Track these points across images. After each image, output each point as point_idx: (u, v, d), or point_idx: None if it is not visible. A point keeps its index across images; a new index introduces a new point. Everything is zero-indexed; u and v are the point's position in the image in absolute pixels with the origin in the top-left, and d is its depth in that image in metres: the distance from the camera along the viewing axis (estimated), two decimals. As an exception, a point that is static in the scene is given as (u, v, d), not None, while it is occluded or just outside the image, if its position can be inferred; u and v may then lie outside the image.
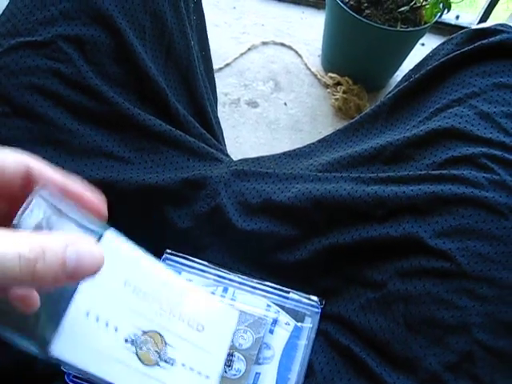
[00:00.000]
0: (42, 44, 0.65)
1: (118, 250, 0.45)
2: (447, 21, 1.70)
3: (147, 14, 0.72)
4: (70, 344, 0.41)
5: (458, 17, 1.72)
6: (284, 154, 0.79)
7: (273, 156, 0.79)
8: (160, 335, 0.47)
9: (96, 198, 0.41)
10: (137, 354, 0.45)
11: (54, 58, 0.65)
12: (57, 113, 0.64)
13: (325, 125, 1.45)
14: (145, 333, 0.45)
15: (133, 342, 0.44)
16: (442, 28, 1.70)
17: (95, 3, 0.67)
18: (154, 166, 0.69)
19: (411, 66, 0.84)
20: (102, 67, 0.67)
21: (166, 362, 0.47)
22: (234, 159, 0.81)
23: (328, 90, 1.53)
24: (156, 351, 0.46)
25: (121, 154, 0.67)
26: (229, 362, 0.60)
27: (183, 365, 0.48)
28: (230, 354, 0.61)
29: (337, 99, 1.48)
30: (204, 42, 0.91)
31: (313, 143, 0.81)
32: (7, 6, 0.70)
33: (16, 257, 0.30)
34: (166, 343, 0.47)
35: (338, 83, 1.52)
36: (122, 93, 0.69)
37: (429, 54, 0.81)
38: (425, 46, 1.65)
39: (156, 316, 0.47)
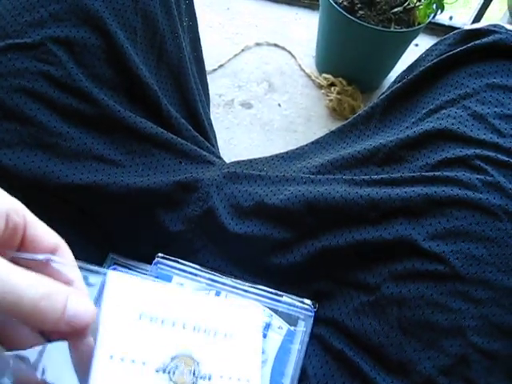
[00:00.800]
0: (31, 46, 0.64)
1: (124, 286, 0.46)
2: (441, 21, 1.71)
3: (138, 16, 0.71)
4: None
5: (451, 17, 1.72)
6: (277, 156, 0.79)
7: (265, 158, 0.79)
8: (189, 355, 0.47)
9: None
10: (171, 380, 0.45)
11: (43, 60, 0.64)
12: (46, 115, 0.63)
13: (319, 126, 1.45)
14: (174, 358, 0.46)
15: (164, 371, 0.45)
16: (435, 29, 1.70)
17: (85, 5, 0.66)
18: (145, 168, 0.68)
19: (405, 67, 0.83)
20: (92, 69, 0.67)
21: (203, 379, 0.47)
22: (228, 161, 0.80)
23: (322, 91, 1.53)
24: (190, 371, 0.46)
25: (111, 157, 0.67)
26: None
27: (221, 376, 0.48)
28: None
29: (331, 100, 1.48)
30: (196, 44, 0.91)
31: (306, 145, 0.81)
32: (-4, 8, 0.69)
33: (25, 285, 0.32)
34: (197, 362, 0.47)
35: (332, 84, 1.52)
36: (112, 95, 0.68)
37: (422, 54, 0.81)
38: (418, 47, 1.65)
39: (180, 338, 0.47)
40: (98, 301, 0.44)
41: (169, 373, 0.45)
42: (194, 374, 0.47)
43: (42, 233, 0.38)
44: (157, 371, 0.44)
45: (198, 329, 0.49)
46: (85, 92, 0.65)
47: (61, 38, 0.65)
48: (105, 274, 0.45)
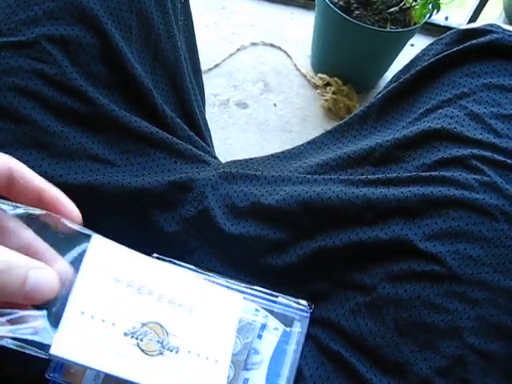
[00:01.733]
0: (25, 44, 0.64)
1: (106, 251, 0.47)
2: (436, 21, 1.71)
3: (133, 14, 0.70)
4: (70, 343, 0.42)
5: (447, 18, 1.73)
6: (273, 155, 0.79)
7: (261, 158, 0.78)
8: (160, 325, 0.47)
9: (71, 203, 0.44)
10: (138, 346, 0.45)
11: (37, 58, 0.64)
12: (40, 114, 0.63)
13: (314, 126, 1.45)
14: (144, 325, 0.46)
15: (132, 335, 0.45)
16: (431, 29, 1.70)
17: (80, 3, 0.65)
18: (140, 168, 0.68)
19: (401, 67, 0.83)
20: (86, 68, 0.66)
21: (169, 350, 0.47)
22: (224, 160, 0.80)
23: (318, 91, 1.52)
24: (158, 341, 0.47)
25: (106, 157, 0.66)
26: None
27: (189, 352, 0.48)
28: None
29: (326, 100, 1.48)
30: (192, 43, 0.90)
31: (302, 145, 0.80)
32: (-10, 5, 0.69)
33: None
34: (167, 332, 0.48)
35: (328, 84, 1.52)
36: (107, 94, 0.68)
37: (418, 54, 0.81)
38: (414, 47, 1.65)
39: (153, 307, 0.48)
40: (75, 262, 0.45)
41: (137, 338, 0.45)
42: (161, 343, 0.47)
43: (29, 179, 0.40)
44: (125, 334, 0.45)
45: (174, 302, 0.49)
46: (79, 91, 0.65)
47: (55, 37, 0.65)
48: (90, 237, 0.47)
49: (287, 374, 0.60)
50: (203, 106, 0.93)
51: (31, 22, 0.64)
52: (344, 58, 1.49)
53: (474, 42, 0.72)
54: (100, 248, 0.47)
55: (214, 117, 1.41)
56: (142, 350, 0.45)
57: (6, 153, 0.61)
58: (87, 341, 0.43)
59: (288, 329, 0.62)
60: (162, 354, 0.47)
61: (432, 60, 0.74)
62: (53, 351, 0.41)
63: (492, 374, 0.56)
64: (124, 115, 0.67)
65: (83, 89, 0.65)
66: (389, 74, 1.55)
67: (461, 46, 0.72)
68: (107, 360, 0.44)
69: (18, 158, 0.61)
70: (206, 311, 0.51)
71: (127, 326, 0.45)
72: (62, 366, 0.55)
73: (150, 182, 0.66)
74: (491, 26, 0.74)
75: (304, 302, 0.64)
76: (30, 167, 0.61)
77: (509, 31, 0.72)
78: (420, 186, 0.63)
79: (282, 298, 0.64)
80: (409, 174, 0.65)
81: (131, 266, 0.48)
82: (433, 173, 0.63)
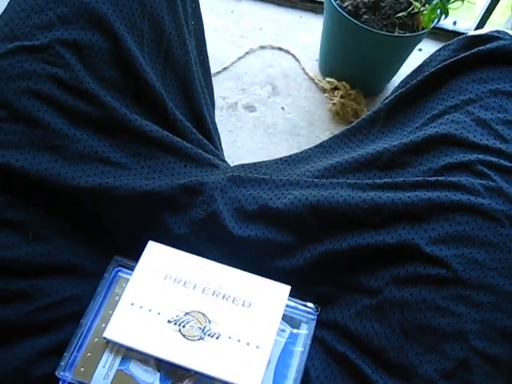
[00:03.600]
0: (39, 48, 0.65)
1: (159, 253, 0.59)
2: (445, 26, 1.70)
3: (145, 19, 0.71)
4: (120, 329, 0.53)
5: (455, 22, 1.72)
6: (281, 159, 0.79)
7: (269, 162, 0.79)
8: (203, 314, 0.54)
9: None
10: (180, 332, 0.53)
11: (51, 62, 0.65)
12: (54, 117, 0.64)
13: (322, 129, 1.45)
14: (187, 313, 0.54)
15: (176, 322, 0.53)
16: (439, 33, 1.70)
17: (93, 8, 0.66)
18: (150, 171, 0.69)
19: (409, 71, 0.84)
20: (99, 72, 0.67)
21: (210, 336, 0.53)
22: (232, 163, 0.80)
23: (325, 95, 1.53)
24: (199, 327, 0.54)
25: (117, 160, 0.67)
26: None
27: (229, 337, 0.54)
28: None
29: (334, 104, 1.48)
30: (202, 47, 0.91)
31: (309, 149, 0.81)
32: (5, 9, 0.70)
33: None
34: (209, 320, 0.54)
35: (336, 88, 1.52)
36: (119, 98, 0.69)
37: (426, 60, 0.81)
38: (422, 52, 1.65)
39: (198, 299, 0.55)
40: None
41: (179, 324, 0.53)
42: (203, 330, 0.54)
43: None
44: (169, 321, 0.53)
45: (218, 294, 0.56)
46: (92, 94, 0.66)
47: (69, 41, 0.66)
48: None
49: (294, 375, 0.60)
50: (213, 110, 0.94)
51: (45, 27, 0.66)
52: (352, 63, 1.49)
53: (481, 48, 0.72)
54: (153, 251, 0.58)
55: (222, 120, 1.42)
56: (184, 335, 0.52)
57: (20, 154, 0.62)
58: (135, 327, 0.53)
59: (295, 331, 0.63)
60: (202, 339, 0.53)
61: (439, 66, 0.74)
62: (106, 335, 0.52)
63: (496, 378, 0.56)
64: (135, 119, 0.68)
65: (96, 92, 0.66)
66: (397, 79, 1.55)
67: (468, 53, 0.73)
68: (150, 344, 0.52)
69: (31, 161, 0.62)
70: (250, 302, 0.57)
71: (171, 314, 0.53)
72: (72, 365, 0.57)
73: (160, 185, 0.67)
74: (498, 32, 0.74)
75: (311, 305, 0.65)
76: (42, 169, 0.62)
77: (516, 38, 0.73)
78: (426, 191, 0.63)
79: (289, 301, 0.64)
80: (415, 179, 0.65)
81: (180, 265, 0.57)
82: (439, 178, 0.64)
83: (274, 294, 0.59)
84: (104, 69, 0.67)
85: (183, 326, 0.53)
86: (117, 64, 0.68)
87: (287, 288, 0.60)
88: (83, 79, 0.65)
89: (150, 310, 0.53)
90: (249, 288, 0.58)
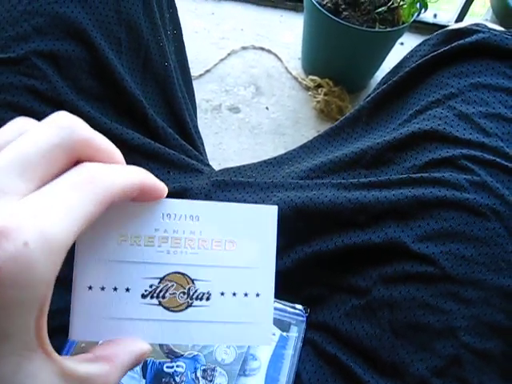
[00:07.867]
0: (15, 60, 0.64)
1: (111, 209, 0.37)
2: (425, 19, 1.72)
3: (122, 26, 0.71)
4: (85, 323, 0.39)
5: (435, 15, 1.73)
6: (265, 161, 0.79)
7: (254, 164, 0.79)
8: (182, 274, 0.41)
9: None
10: (161, 304, 0.40)
11: (28, 74, 0.64)
12: None
13: (307, 128, 1.45)
14: (162, 279, 0.40)
15: (152, 294, 0.40)
16: (420, 27, 1.71)
17: (68, 17, 0.66)
18: None
19: (391, 66, 0.84)
20: (77, 82, 0.67)
21: (199, 299, 0.41)
22: (218, 166, 0.80)
23: (309, 93, 1.53)
24: (183, 292, 0.41)
25: None
26: (210, 378, 0.59)
27: (222, 293, 0.42)
28: (212, 369, 0.60)
29: (318, 102, 1.48)
30: (181, 52, 0.91)
31: (294, 149, 0.81)
32: (-21, 22, 0.69)
33: None
34: (192, 279, 0.41)
35: (319, 85, 1.52)
36: (98, 107, 0.68)
37: (406, 55, 0.81)
38: (404, 46, 1.66)
39: (168, 256, 0.41)
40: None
41: (157, 296, 0.40)
42: (188, 294, 0.41)
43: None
44: (142, 296, 0.40)
45: (192, 244, 0.41)
46: (71, 105, 0.65)
47: (45, 52, 0.65)
48: None
49: (285, 378, 0.60)
50: (194, 115, 0.93)
51: (21, 39, 0.65)
52: (334, 59, 1.49)
53: (460, 42, 0.72)
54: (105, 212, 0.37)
55: (207, 122, 1.42)
56: (167, 308, 0.40)
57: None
58: (103, 315, 0.39)
59: (285, 334, 0.63)
60: (190, 305, 0.41)
61: (419, 61, 0.74)
62: (71, 337, 0.38)
63: (488, 372, 0.56)
64: (116, 127, 0.67)
65: (74, 103, 0.65)
66: (379, 74, 1.56)
67: (448, 47, 0.72)
68: (129, 329, 0.40)
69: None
70: (234, 241, 0.42)
71: (143, 286, 0.40)
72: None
73: None
74: (477, 25, 0.74)
75: (300, 307, 0.65)
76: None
77: (495, 30, 0.73)
78: (411, 188, 0.63)
79: (277, 303, 0.64)
80: (400, 176, 0.65)
81: (134, 217, 0.40)
82: (424, 174, 0.64)
83: (259, 221, 0.44)
84: (82, 79, 0.67)
85: (163, 297, 0.40)
86: (95, 73, 0.68)
87: (274, 208, 0.44)
88: (61, 90, 0.65)
89: (116, 289, 0.39)
90: (226, 223, 0.42)
